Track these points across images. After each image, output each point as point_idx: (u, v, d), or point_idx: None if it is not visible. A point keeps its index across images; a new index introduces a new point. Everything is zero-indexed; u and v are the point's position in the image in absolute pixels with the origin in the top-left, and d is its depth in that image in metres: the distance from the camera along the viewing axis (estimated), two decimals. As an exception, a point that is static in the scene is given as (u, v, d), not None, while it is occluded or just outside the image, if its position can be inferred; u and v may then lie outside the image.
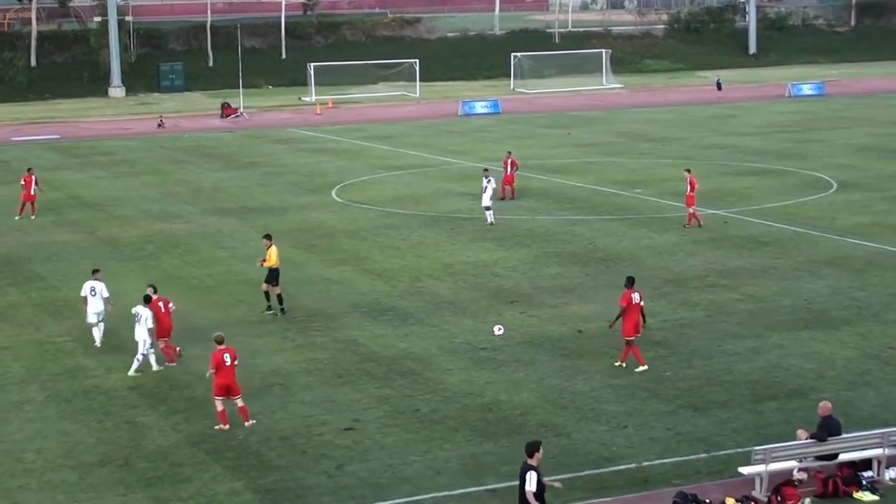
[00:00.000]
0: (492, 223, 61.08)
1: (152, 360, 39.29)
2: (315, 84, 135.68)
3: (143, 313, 39.28)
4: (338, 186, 75.38)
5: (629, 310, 37.22)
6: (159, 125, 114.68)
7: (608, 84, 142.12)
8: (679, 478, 28.97)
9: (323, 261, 54.85)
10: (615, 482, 29.50)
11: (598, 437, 32.45)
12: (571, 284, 48.69)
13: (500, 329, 41.83)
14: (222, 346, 34.24)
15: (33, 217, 66.71)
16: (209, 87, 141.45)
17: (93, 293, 42.10)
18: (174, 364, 39.47)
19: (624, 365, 37.54)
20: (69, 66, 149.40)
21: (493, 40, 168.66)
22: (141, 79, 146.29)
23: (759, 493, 27.85)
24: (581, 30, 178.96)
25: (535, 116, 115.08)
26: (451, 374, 38.11)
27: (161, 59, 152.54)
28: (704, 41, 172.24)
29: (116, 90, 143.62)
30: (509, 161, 69.36)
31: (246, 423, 34.06)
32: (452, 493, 29.25)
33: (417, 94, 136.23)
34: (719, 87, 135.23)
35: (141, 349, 39.13)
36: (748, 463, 28.40)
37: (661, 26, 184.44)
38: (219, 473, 30.80)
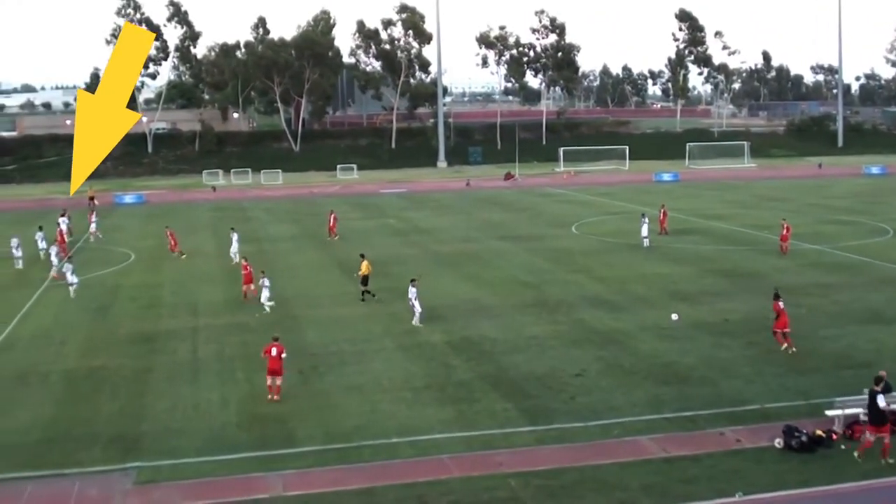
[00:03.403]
0: (647, 246, 60.82)
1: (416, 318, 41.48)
2: (563, 160, 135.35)
3: (412, 291, 41.63)
4: (576, 223, 74.89)
5: (780, 313, 36.05)
6: (467, 185, 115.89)
7: (747, 164, 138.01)
8: (787, 416, 27.94)
9: (564, 269, 54.53)
10: (746, 417, 28.69)
11: (736, 387, 31.56)
12: (721, 290, 47.37)
13: (675, 317, 40.99)
14: (273, 343, 31.57)
15: (336, 238, 68.11)
16: (498, 162, 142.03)
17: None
18: None
19: (793, 349, 35.62)
20: (414, 149, 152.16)
21: (674, 135, 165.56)
22: (456, 156, 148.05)
23: (837, 427, 26.85)
24: (731, 129, 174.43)
25: (700, 182, 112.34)
26: (644, 343, 37.49)
27: (469, 145, 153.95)
28: (810, 138, 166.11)
29: (442, 163, 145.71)
30: (663, 210, 68.80)
31: (275, 397, 30.86)
32: (642, 417, 28.86)
33: (626, 168, 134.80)
34: (820, 167, 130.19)
35: (417, 308, 41.39)
36: (832, 408, 27.46)
37: (782, 128, 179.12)
38: (497, 398, 30.93)
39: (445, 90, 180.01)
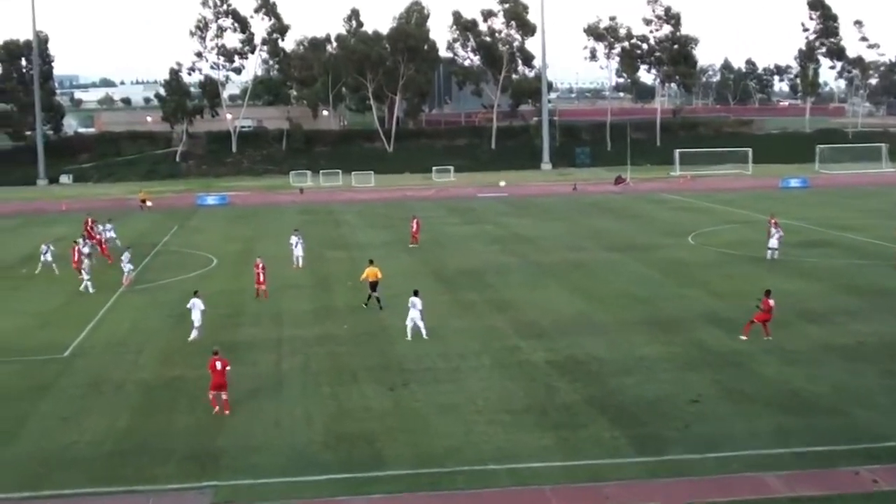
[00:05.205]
0: (772, 258, 60.01)
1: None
2: (679, 163, 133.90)
3: (415, 301, 41.70)
4: (693, 233, 73.85)
5: (766, 308, 40.79)
6: (573, 189, 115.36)
7: (886, 168, 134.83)
8: (932, 453, 27.04)
9: (679, 283, 53.67)
10: (883, 454, 27.62)
11: (873, 420, 30.52)
12: (854, 309, 46.03)
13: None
14: (215, 357, 31.95)
15: (417, 245, 68.84)
16: (607, 164, 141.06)
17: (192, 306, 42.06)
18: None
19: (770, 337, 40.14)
20: (516, 149, 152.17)
21: (803, 136, 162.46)
22: (562, 158, 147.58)
23: None
24: (867, 129, 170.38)
25: (832, 189, 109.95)
26: (768, 367, 36.59)
27: (576, 145, 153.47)
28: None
29: (546, 165, 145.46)
30: (773, 221, 64.63)
31: (226, 412, 31.46)
32: (764, 451, 28.03)
33: (750, 172, 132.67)
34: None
35: (412, 319, 41.57)
36: None
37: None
38: (604, 424, 30.45)
39: (550, 86, 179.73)
